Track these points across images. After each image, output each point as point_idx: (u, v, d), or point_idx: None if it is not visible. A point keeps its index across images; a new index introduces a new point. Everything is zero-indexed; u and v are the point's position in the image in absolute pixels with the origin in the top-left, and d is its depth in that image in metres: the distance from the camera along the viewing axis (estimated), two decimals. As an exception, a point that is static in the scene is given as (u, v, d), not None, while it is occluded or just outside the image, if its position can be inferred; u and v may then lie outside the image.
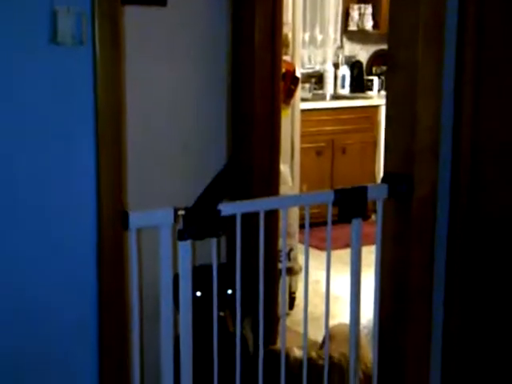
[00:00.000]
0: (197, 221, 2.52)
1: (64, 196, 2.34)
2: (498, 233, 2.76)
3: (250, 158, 3.55)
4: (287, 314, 4.52)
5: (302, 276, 5.07)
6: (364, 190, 2.78)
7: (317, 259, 5.03)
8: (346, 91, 7.99)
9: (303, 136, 5.60)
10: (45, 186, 2.31)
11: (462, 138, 2.77)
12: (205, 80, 3.54)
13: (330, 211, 2.72)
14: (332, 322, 3.29)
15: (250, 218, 2.74)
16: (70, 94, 2.31)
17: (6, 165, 2.25)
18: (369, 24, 8.07)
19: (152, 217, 2.53)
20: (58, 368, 2.41)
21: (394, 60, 2.82)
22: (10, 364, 2.35)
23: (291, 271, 5.08)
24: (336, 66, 8.00)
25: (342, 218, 2.77)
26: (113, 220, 2.38)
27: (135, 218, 2.43)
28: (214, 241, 2.59)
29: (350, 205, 2.76)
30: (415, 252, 2.81)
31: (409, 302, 2.84)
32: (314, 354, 3.40)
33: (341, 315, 4.53)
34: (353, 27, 8.08)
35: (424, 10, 2.70)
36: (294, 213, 5.07)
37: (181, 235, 2.52)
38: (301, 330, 3.14)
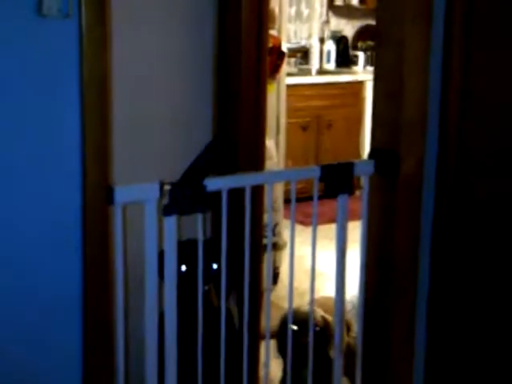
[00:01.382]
0: (183, 196, 2.51)
1: (48, 171, 2.33)
2: (484, 207, 2.77)
3: (235, 133, 3.53)
4: (271, 290, 4.52)
5: (286, 251, 5.08)
6: (350, 165, 2.78)
7: (301, 235, 5.03)
8: (331, 66, 7.98)
9: (289, 111, 5.59)
10: (28, 160, 2.30)
11: (450, 114, 2.77)
12: (190, 55, 3.51)
13: (317, 187, 2.73)
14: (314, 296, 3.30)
15: (235, 193, 2.73)
16: (56, 67, 2.28)
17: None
18: (355, -1, 8.07)
19: (137, 192, 2.51)
20: (41, 343, 2.41)
21: (383, 35, 2.81)
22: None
23: (275, 246, 5.09)
24: (322, 40, 7.99)
25: (328, 194, 2.77)
26: (98, 195, 2.37)
27: (120, 193, 2.42)
28: (199, 216, 2.58)
29: (336, 180, 2.76)
30: (401, 228, 2.82)
31: (394, 277, 2.85)
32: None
33: (324, 291, 4.55)
34: (339, 2, 8.06)
35: (412, -15, 2.69)
36: (279, 188, 5.07)
37: (166, 210, 2.51)
38: (285, 304, 3.15)
